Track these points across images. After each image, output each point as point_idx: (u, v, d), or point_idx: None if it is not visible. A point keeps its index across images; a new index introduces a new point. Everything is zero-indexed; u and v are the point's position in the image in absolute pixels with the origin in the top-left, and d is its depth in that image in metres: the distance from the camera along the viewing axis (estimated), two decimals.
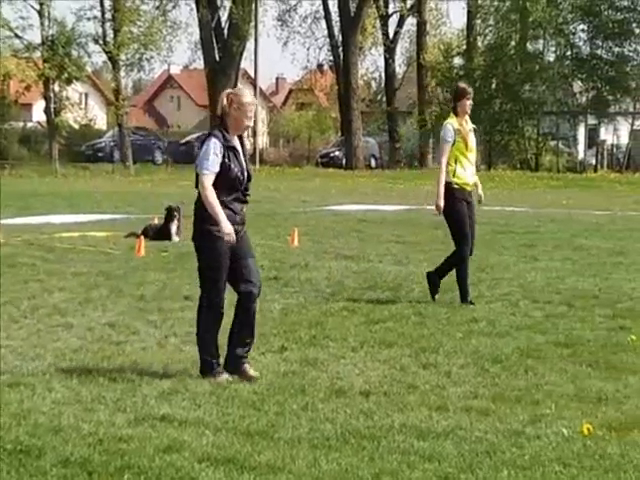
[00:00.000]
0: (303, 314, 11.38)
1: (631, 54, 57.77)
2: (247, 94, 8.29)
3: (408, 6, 60.72)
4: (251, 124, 8.45)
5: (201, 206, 8.21)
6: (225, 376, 8.25)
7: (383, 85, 66.12)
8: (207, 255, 8.27)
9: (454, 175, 11.99)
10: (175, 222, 18.90)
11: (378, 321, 10.96)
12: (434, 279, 12.33)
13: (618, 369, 8.79)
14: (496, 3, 59.16)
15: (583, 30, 58.34)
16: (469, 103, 12.08)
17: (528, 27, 57.15)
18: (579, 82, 59.25)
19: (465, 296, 12.06)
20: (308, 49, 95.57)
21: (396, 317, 11.18)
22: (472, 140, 12.16)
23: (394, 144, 61.69)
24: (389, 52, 62.63)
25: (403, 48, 67.60)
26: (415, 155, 61.57)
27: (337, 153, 61.41)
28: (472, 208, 12.25)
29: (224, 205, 8.14)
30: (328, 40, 61.13)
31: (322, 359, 9.06)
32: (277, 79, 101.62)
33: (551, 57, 59.08)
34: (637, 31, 57.27)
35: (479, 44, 60.23)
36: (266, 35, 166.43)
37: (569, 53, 58.32)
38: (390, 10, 62.50)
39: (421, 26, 60.44)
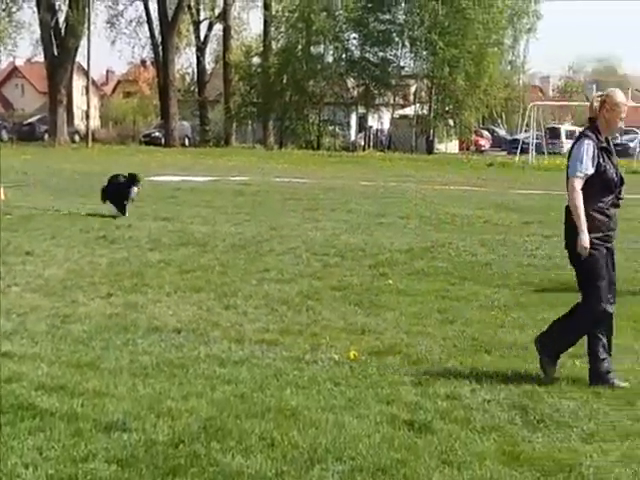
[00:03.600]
0: (127, 266, 11.14)
1: (392, 58, 58.95)
2: (619, 95, 6.54)
3: (216, 14, 60.34)
4: (623, 125, 6.71)
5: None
6: (617, 382, 6.42)
7: (195, 78, 65.14)
8: (586, 264, 6.43)
9: None
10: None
11: (189, 271, 10.85)
12: None
13: (378, 307, 9.00)
14: (287, 14, 59.31)
15: (355, 38, 59.23)
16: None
17: (312, 34, 57.59)
18: (352, 79, 60.27)
19: None
20: (133, 47, 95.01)
21: (204, 267, 11.09)
22: None
23: (204, 127, 61.17)
24: (200, 51, 62.09)
25: (212, 49, 66.72)
26: (221, 136, 61.16)
27: (157, 134, 60.17)
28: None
29: (600, 212, 6.43)
30: (150, 40, 59.99)
31: (142, 303, 8.91)
32: (107, 72, 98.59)
33: (330, 59, 59.69)
34: (396, 39, 58.48)
35: (273, 47, 60.26)
36: (97, 35, 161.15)
37: (344, 56, 59.01)
38: (202, 17, 61.86)
39: (226, 31, 60.06)
